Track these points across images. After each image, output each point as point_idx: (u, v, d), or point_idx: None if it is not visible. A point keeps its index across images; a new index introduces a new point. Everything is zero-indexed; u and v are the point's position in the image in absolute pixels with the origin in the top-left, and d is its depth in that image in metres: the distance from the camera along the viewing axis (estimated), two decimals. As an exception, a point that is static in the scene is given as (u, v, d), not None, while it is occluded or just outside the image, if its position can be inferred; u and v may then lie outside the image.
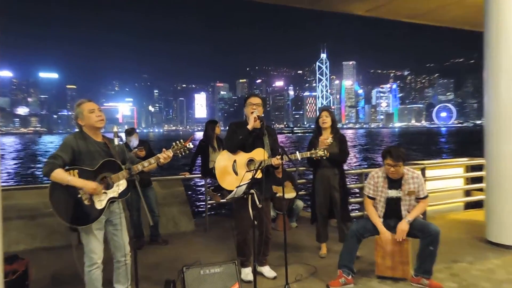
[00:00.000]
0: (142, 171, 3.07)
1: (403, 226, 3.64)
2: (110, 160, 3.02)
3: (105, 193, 2.98)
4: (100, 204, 2.96)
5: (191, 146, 3.13)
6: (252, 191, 3.54)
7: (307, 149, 4.10)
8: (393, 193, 3.76)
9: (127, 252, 3.19)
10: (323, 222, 4.59)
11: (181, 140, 3.13)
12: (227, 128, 3.90)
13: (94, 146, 3.01)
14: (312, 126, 4.95)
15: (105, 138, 3.16)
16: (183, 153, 3.11)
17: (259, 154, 3.69)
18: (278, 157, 3.54)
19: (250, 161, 3.72)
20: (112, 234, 3.15)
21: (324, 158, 3.74)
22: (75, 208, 2.89)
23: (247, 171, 3.61)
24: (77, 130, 3.12)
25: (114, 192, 3.02)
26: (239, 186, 3.32)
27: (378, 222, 3.76)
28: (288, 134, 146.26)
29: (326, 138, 4.37)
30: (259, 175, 3.56)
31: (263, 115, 3.79)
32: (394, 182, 3.77)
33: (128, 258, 3.20)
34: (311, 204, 4.75)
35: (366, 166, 28.65)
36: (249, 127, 3.70)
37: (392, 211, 3.76)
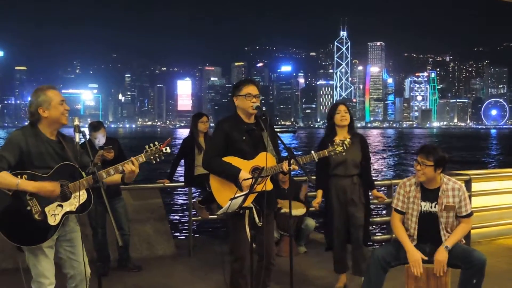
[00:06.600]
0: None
1: (441, 256, 3.63)
2: (67, 164, 3.04)
3: (60, 205, 3.00)
4: (53, 219, 2.98)
5: (168, 150, 3.16)
6: (250, 205, 3.55)
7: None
8: (426, 206, 3.78)
9: (88, 274, 3.18)
10: (340, 247, 4.60)
11: (156, 143, 3.16)
12: (215, 127, 3.84)
13: (46, 147, 3.03)
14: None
15: (60, 135, 3.17)
16: (158, 159, 3.15)
17: (265, 160, 3.64)
18: (286, 162, 3.53)
19: (255, 169, 3.67)
20: (68, 252, 3.15)
21: (344, 153, 3.78)
22: (23, 224, 2.91)
23: (250, 178, 3.50)
24: (26, 123, 3.13)
25: (71, 205, 3.03)
26: (234, 198, 3.32)
27: (406, 240, 3.76)
28: None
29: (343, 139, 4.37)
30: (269, 186, 3.56)
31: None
32: (429, 192, 3.78)
33: (88, 284, 3.18)
34: (326, 224, 4.75)
35: (393, 175, 28.81)
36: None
37: (428, 232, 3.77)
